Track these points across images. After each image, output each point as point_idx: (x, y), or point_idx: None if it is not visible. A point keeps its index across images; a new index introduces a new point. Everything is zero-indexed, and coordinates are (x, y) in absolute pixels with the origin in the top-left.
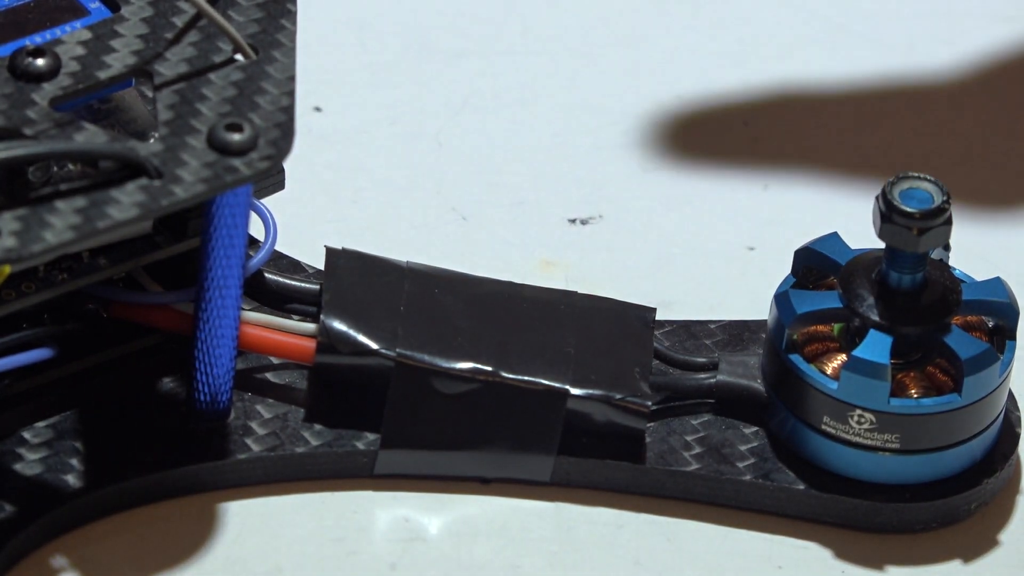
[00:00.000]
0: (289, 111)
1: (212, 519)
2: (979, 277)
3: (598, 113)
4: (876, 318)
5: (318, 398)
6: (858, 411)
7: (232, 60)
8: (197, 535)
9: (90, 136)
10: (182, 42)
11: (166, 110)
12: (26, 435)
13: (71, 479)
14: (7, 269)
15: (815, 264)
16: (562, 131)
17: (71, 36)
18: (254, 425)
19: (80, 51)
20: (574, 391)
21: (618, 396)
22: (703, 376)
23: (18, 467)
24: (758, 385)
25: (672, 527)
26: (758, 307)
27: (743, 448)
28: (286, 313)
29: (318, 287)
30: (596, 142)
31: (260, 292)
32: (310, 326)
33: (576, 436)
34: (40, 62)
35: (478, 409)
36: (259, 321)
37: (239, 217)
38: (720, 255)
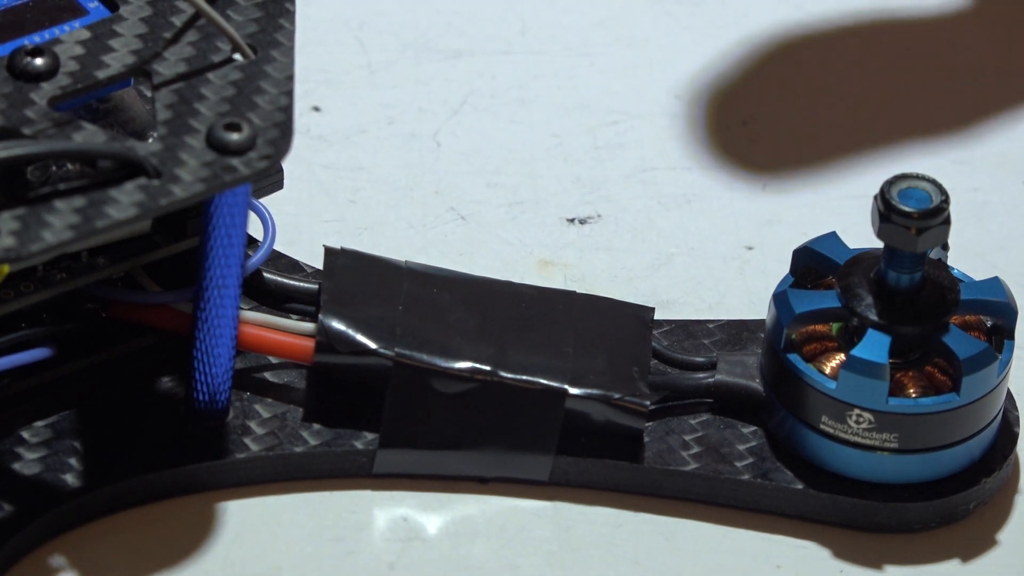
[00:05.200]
0: (288, 111)
1: (211, 519)
2: (977, 277)
3: (596, 113)
4: (874, 318)
5: (317, 398)
6: (856, 411)
7: (231, 60)
8: (196, 535)
9: (89, 136)
10: (181, 42)
11: (165, 110)
12: (25, 435)
13: (70, 479)
14: (6, 268)
15: (814, 264)
16: (560, 131)
17: (70, 36)
18: (253, 425)
19: (79, 51)
20: (572, 391)
21: (616, 396)
22: (701, 376)
23: (17, 467)
24: (756, 385)
25: (671, 526)
26: (757, 307)
27: (741, 448)
28: (285, 313)
29: (317, 287)
30: (594, 142)
31: (259, 292)
32: (309, 326)
33: (574, 436)
34: (39, 61)
35: (477, 409)
36: (258, 321)
37: (238, 217)
38: (718, 255)
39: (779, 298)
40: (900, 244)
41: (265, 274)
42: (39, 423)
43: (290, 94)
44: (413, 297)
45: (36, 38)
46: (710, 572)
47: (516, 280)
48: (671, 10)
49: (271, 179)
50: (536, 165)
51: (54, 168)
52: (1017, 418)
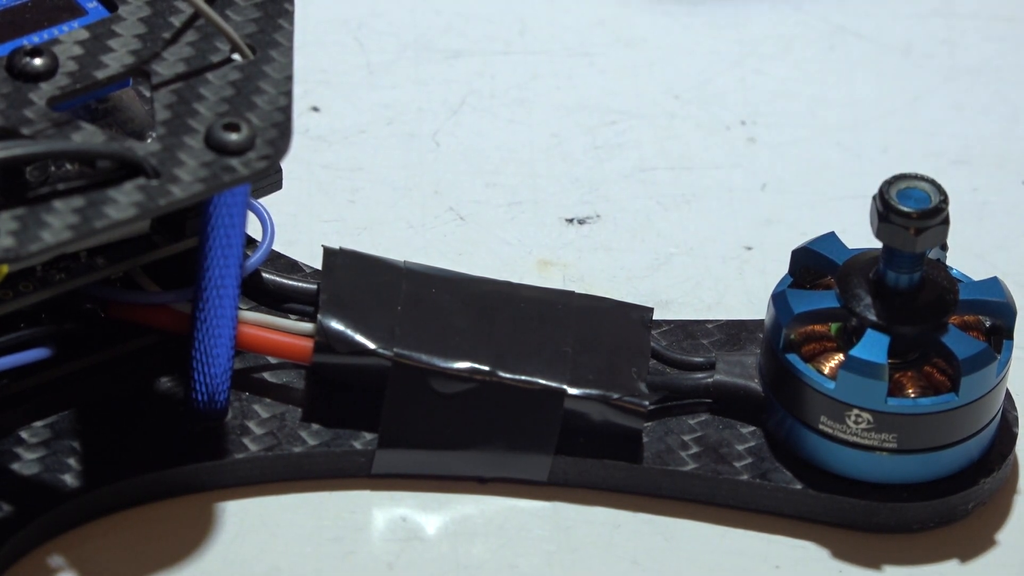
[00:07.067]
0: (287, 111)
1: (210, 519)
2: (976, 277)
3: (596, 113)
4: (873, 318)
5: (315, 398)
6: (855, 411)
7: (230, 60)
8: (195, 535)
9: (88, 136)
10: (180, 42)
11: (164, 110)
12: (24, 435)
13: (69, 479)
14: (5, 269)
15: (812, 264)
16: (559, 131)
17: (69, 36)
18: (251, 425)
19: (78, 51)
20: (571, 391)
21: (615, 396)
22: (700, 376)
23: (16, 467)
24: (755, 385)
25: (669, 527)
26: (755, 307)
27: (740, 448)
28: (283, 313)
29: (315, 287)
30: (594, 142)
31: (258, 292)
32: (307, 326)
33: (573, 436)
34: (38, 62)
35: (475, 409)
36: (257, 321)
37: (237, 217)
38: (717, 255)
39: (778, 298)
40: (899, 244)
41: (264, 274)
42: (38, 423)
43: (289, 94)
44: (412, 297)
45: (35, 38)
46: (709, 572)
47: (515, 280)
48: (671, 10)
49: (270, 179)
50: (535, 165)
51: (53, 168)
52: (1016, 418)
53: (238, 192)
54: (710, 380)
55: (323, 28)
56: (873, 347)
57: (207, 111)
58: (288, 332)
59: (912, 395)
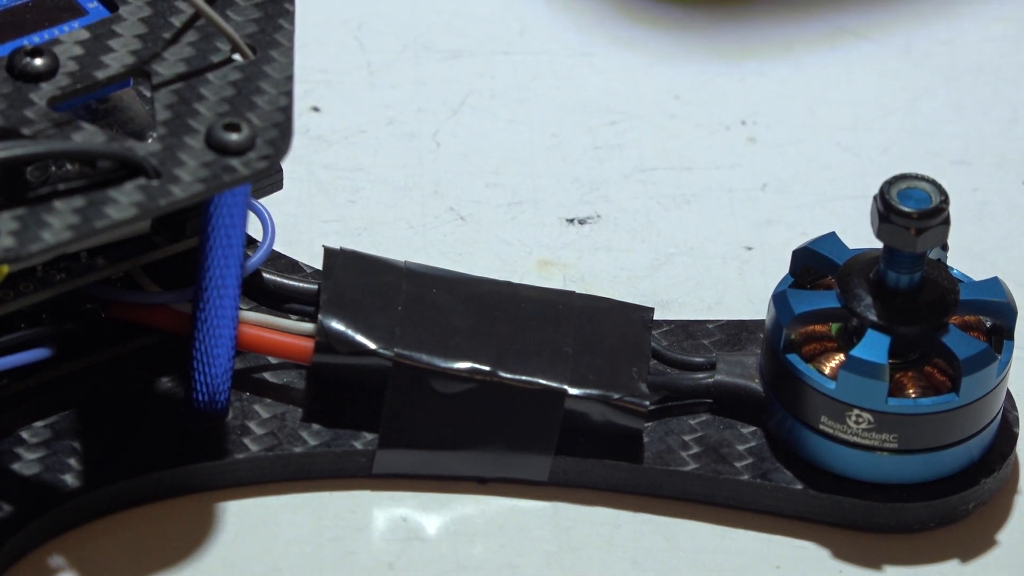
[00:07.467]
0: (287, 111)
1: (210, 519)
2: (977, 277)
3: (596, 113)
4: (874, 318)
5: (316, 398)
6: (856, 411)
7: (230, 60)
8: (195, 535)
9: (88, 136)
10: (180, 42)
11: (164, 110)
12: (24, 435)
13: (69, 479)
14: (5, 269)
15: (813, 264)
16: (559, 131)
17: (69, 36)
18: (252, 425)
19: (78, 51)
20: (572, 391)
21: (616, 396)
22: (701, 376)
23: (16, 467)
24: (756, 385)
25: (670, 527)
26: (756, 307)
27: (741, 448)
28: (284, 313)
29: (316, 287)
30: (594, 142)
31: (258, 292)
32: (308, 326)
33: (574, 436)
34: (38, 62)
35: (476, 409)
36: (257, 321)
37: (237, 217)
38: (718, 255)
39: (778, 298)
40: (899, 244)
41: (264, 274)
42: (39, 423)
43: (289, 94)
44: (412, 297)
45: (35, 38)
46: (710, 572)
47: (516, 280)
48: (671, 10)
49: (270, 179)
50: (535, 165)
51: (53, 168)
52: (1016, 418)
53: (238, 192)
54: (711, 380)
55: (323, 28)
56: (874, 347)
57: (207, 111)
58: (289, 332)
59: (913, 395)
